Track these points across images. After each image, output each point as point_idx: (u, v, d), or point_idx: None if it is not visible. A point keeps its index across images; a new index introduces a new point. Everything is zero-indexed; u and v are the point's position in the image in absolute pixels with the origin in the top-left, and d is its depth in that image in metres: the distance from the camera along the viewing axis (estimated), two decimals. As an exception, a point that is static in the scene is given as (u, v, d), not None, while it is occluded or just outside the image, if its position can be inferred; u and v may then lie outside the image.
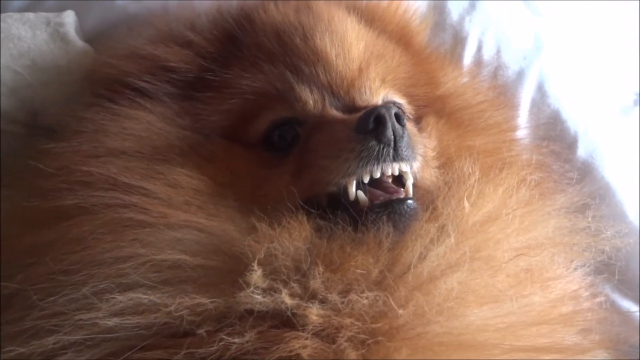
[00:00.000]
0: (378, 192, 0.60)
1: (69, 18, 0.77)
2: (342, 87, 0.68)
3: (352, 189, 0.60)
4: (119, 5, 0.83)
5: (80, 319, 0.53)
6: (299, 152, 0.64)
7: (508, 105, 0.89)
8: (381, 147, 0.59)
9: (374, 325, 0.52)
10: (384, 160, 0.59)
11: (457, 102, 0.80)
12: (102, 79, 0.72)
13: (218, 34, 0.74)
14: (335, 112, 0.65)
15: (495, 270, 0.59)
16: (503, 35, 0.96)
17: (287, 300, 0.53)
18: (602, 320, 0.71)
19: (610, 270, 0.85)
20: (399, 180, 0.62)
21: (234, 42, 0.73)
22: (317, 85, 0.67)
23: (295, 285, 0.54)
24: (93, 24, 0.83)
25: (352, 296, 0.54)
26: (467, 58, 0.93)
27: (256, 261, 0.54)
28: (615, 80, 1.21)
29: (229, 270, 0.55)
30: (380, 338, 0.52)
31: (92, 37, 0.82)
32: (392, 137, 0.60)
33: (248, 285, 0.53)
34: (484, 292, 0.57)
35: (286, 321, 0.53)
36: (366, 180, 0.60)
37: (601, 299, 0.78)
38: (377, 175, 0.60)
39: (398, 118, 0.60)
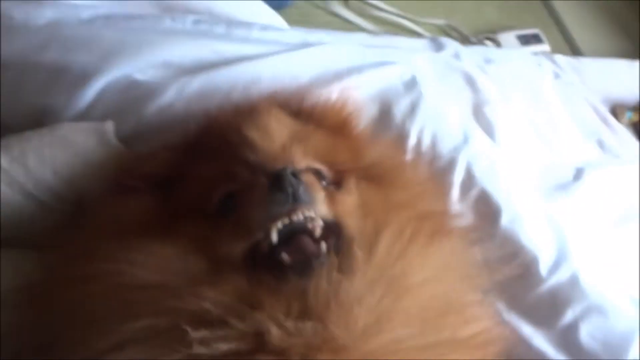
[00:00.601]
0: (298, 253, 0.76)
1: (110, 127, 1.02)
2: (267, 162, 0.82)
3: (274, 233, 0.75)
4: (146, 117, 1.09)
5: None
6: (237, 213, 0.79)
7: (438, 186, 1.10)
8: (283, 195, 0.75)
9: (317, 347, 0.65)
10: (286, 204, 0.75)
11: (378, 169, 0.97)
12: (112, 176, 0.96)
13: (184, 142, 0.98)
14: (261, 179, 0.80)
15: (403, 296, 0.71)
16: (437, 132, 1.20)
17: (222, 346, 0.65)
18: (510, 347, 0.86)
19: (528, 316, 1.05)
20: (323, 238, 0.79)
21: (196, 145, 0.96)
22: (249, 163, 0.85)
23: (231, 330, 0.66)
24: (126, 131, 1.08)
25: (299, 321, 0.66)
26: (409, 149, 1.18)
27: (191, 319, 0.66)
28: (556, 157, 1.44)
29: (179, 329, 0.66)
30: (323, 357, 0.64)
31: (125, 140, 1.06)
32: (290, 187, 0.75)
33: (191, 342, 0.65)
34: (396, 315, 0.69)
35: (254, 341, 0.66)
36: (280, 225, 0.75)
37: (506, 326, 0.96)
38: (287, 221, 0.75)
39: (294, 174, 0.76)
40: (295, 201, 0.77)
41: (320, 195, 0.82)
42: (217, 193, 0.86)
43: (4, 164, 0.96)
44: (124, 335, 0.67)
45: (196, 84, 1.12)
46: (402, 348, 0.66)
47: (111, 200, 0.91)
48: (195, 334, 0.65)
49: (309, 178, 0.83)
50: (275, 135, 0.89)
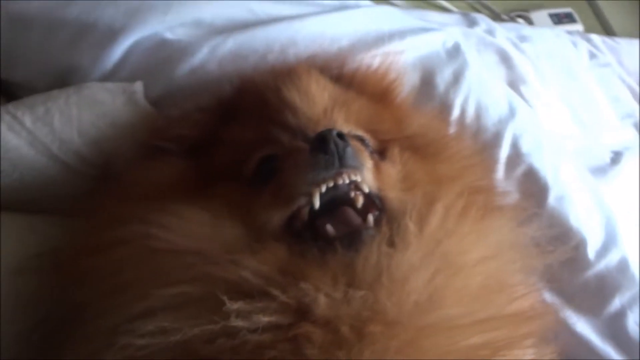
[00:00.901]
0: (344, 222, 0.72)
1: (140, 87, 0.98)
2: (309, 126, 0.80)
3: (316, 198, 0.71)
4: (177, 79, 1.04)
5: (123, 342, 0.62)
6: (276, 178, 0.76)
7: (485, 160, 1.05)
8: (327, 157, 0.71)
9: (367, 319, 0.62)
10: (332, 168, 0.71)
11: (422, 139, 0.93)
12: (144, 139, 0.92)
13: (219, 104, 0.94)
14: (301, 143, 0.77)
15: (457, 274, 0.69)
16: (482, 103, 1.14)
17: (263, 318, 0.61)
18: (556, 333, 0.82)
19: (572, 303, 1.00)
20: (365, 210, 0.75)
21: (231, 107, 0.92)
22: (288, 127, 0.81)
23: (271, 302, 0.63)
24: (155, 94, 1.03)
25: (349, 292, 0.63)
26: (453, 121, 1.12)
27: (227, 289, 0.63)
28: (592, 140, 1.39)
29: (216, 298, 0.63)
30: (375, 329, 0.61)
31: (155, 103, 1.02)
32: (335, 149, 0.70)
33: (228, 313, 0.61)
34: (448, 293, 0.66)
35: (297, 314, 0.63)
36: (324, 189, 0.71)
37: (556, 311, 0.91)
38: (331, 184, 0.71)
39: (340, 136, 0.72)
40: (342, 165, 0.72)
41: (368, 162, 0.78)
42: (254, 158, 0.82)
43: (28, 123, 0.91)
44: (156, 301, 0.65)
45: (230, 44, 1.06)
46: (451, 326, 0.66)
47: (142, 163, 0.88)
48: (232, 305, 0.63)
49: (355, 143, 0.78)
50: (317, 98, 0.85)
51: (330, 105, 0.85)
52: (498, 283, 0.73)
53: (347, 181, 0.72)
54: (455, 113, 1.13)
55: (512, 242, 0.82)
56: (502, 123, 1.13)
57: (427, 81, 1.15)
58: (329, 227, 0.71)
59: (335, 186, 0.72)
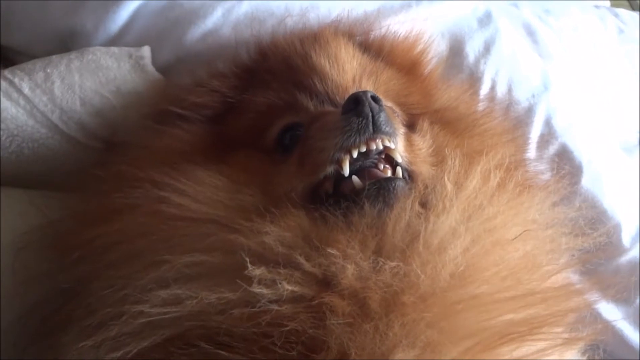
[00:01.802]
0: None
1: (147, 52, 0.91)
2: (338, 93, 0.77)
3: (346, 165, 0.66)
4: (187, 45, 0.97)
5: (133, 311, 0.59)
6: (301, 145, 0.72)
7: (517, 137, 0.97)
8: (361, 120, 0.66)
9: (397, 291, 0.58)
10: (365, 132, 0.66)
11: (452, 113, 0.88)
12: (155, 106, 0.86)
13: (236, 69, 0.88)
14: (330, 108, 0.74)
15: (493, 250, 0.64)
16: (514, 76, 1.07)
17: (287, 287, 0.58)
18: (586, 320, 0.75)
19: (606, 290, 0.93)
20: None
21: (250, 72, 0.87)
22: (316, 94, 0.78)
23: (295, 270, 0.59)
24: (164, 61, 0.97)
25: (379, 261, 0.59)
26: (482, 95, 1.04)
27: (248, 256, 0.59)
28: (620, 119, 1.31)
29: (236, 266, 0.60)
30: (407, 300, 0.57)
31: (163, 70, 0.95)
32: (370, 112, 0.66)
33: (251, 279, 0.58)
34: (484, 268, 0.62)
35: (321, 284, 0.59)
36: (355, 154, 0.66)
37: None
38: (363, 149, 0.67)
39: (375, 99, 0.68)
40: (375, 130, 0.67)
41: (401, 129, 0.73)
42: (276, 125, 0.78)
43: (26, 90, 0.84)
44: (169, 270, 0.62)
45: (245, 6, 0.99)
46: (487, 301, 0.61)
47: (156, 129, 0.81)
48: (255, 270, 0.59)
49: (388, 109, 0.73)
50: (346, 65, 0.81)
51: (359, 74, 0.81)
52: (534, 260, 0.68)
53: (380, 147, 0.69)
54: (486, 86, 1.05)
55: (549, 221, 0.76)
56: (535, 98, 1.06)
57: (455, 51, 1.07)
58: (355, 179, 0.66)
59: (367, 152, 0.67)
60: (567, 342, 0.65)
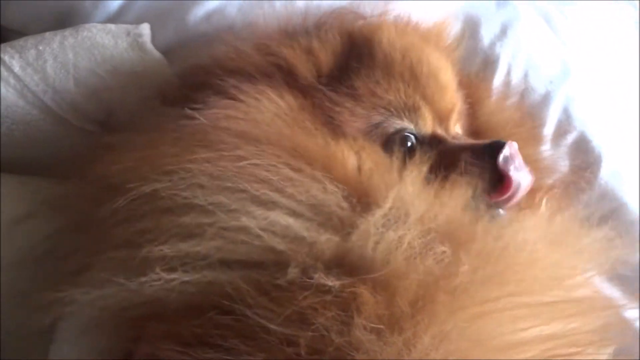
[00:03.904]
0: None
1: (146, 30, 0.86)
2: (445, 116, 0.81)
3: None
4: (190, 25, 0.92)
5: (229, 224, 0.56)
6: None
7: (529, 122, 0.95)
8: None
9: (433, 284, 0.55)
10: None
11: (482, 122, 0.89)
12: (228, 67, 0.77)
13: (341, 45, 0.82)
14: (456, 138, 0.80)
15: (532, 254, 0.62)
16: (531, 61, 1.02)
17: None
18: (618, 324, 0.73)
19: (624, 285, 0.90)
20: None
21: (359, 55, 0.81)
22: (432, 110, 0.79)
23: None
24: (166, 41, 0.92)
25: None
26: (497, 80, 0.99)
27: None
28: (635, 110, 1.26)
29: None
30: (439, 298, 0.54)
31: (165, 51, 0.90)
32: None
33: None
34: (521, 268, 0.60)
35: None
36: None
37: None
38: None
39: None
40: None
41: None
42: (390, 125, 0.77)
43: (17, 68, 0.79)
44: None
45: (252, -16, 0.94)
46: (518, 304, 0.58)
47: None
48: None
49: None
50: (451, 81, 0.84)
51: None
52: (561, 268, 0.66)
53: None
54: (501, 71, 1.00)
55: (572, 227, 0.73)
56: (554, 84, 1.01)
57: (470, 33, 1.02)
58: None
59: None
60: None
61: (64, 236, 0.71)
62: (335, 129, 0.74)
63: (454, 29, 0.99)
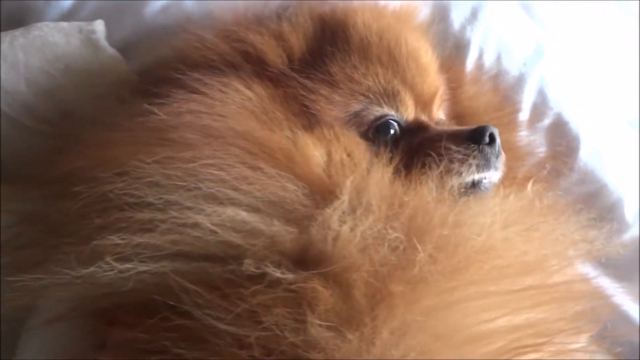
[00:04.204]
0: None
1: (100, 26, 0.84)
2: (427, 101, 0.79)
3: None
4: (147, 19, 0.89)
5: (182, 220, 0.56)
6: (406, 151, 0.72)
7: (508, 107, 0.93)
8: (494, 157, 0.73)
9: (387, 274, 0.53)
10: (493, 168, 0.73)
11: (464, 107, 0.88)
12: (191, 59, 0.75)
13: (313, 28, 0.79)
14: (440, 124, 0.78)
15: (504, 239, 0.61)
16: (503, 43, 0.99)
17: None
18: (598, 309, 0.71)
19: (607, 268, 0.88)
20: None
21: (333, 39, 0.78)
22: (413, 95, 0.77)
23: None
24: (123, 36, 0.89)
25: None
26: (469, 65, 0.97)
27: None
28: (621, 91, 1.24)
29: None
30: (395, 289, 0.53)
31: (122, 48, 0.88)
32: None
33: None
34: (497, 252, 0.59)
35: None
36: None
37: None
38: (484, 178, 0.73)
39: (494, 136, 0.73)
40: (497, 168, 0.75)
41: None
42: (370, 112, 0.75)
43: (-35, 71, 0.76)
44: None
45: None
46: (483, 293, 0.56)
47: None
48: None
49: None
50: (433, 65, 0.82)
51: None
52: (531, 255, 0.64)
53: (494, 180, 0.75)
54: (473, 54, 0.98)
55: (547, 211, 0.72)
56: (528, 66, 0.99)
57: (440, 17, 0.99)
58: None
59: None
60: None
61: (23, 228, 0.69)
62: (309, 118, 0.72)
63: (423, 13, 0.97)
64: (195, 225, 0.55)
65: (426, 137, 0.75)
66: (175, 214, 0.56)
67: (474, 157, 0.72)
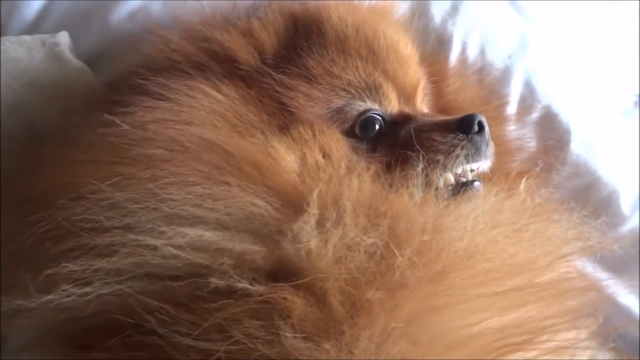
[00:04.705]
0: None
1: (64, 38, 0.80)
2: (410, 93, 0.77)
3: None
4: (114, 26, 0.86)
5: (143, 243, 0.53)
6: (392, 146, 0.71)
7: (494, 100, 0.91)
8: (484, 145, 0.71)
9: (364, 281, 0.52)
10: (483, 157, 0.71)
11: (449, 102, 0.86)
12: (156, 63, 0.72)
13: (284, 25, 0.77)
14: (425, 115, 0.76)
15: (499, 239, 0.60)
16: (487, 36, 0.96)
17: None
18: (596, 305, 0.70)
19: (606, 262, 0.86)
20: None
21: (307, 35, 0.76)
22: (396, 88, 0.75)
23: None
24: (90, 45, 0.86)
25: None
26: (453, 59, 0.94)
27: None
28: (612, 82, 1.21)
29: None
30: (372, 296, 0.51)
31: (90, 58, 0.84)
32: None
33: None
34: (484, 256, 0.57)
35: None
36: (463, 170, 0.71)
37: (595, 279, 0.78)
38: (475, 168, 0.71)
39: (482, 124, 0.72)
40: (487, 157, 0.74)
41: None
42: (353, 107, 0.72)
43: None
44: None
45: (176, -23, 0.88)
46: (465, 297, 0.54)
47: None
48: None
49: None
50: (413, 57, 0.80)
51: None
52: (527, 255, 0.62)
53: (484, 169, 0.74)
54: (456, 49, 0.95)
55: (538, 210, 0.70)
56: (512, 59, 0.96)
57: (420, 12, 0.96)
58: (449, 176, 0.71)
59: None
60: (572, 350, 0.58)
61: None
62: (286, 117, 0.69)
63: (402, 8, 0.93)
64: (156, 249, 0.53)
65: (413, 128, 0.72)
66: (135, 237, 0.54)
67: (462, 147, 0.70)
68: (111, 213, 0.55)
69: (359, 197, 0.57)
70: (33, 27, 0.86)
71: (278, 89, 0.70)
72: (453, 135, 0.70)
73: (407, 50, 0.79)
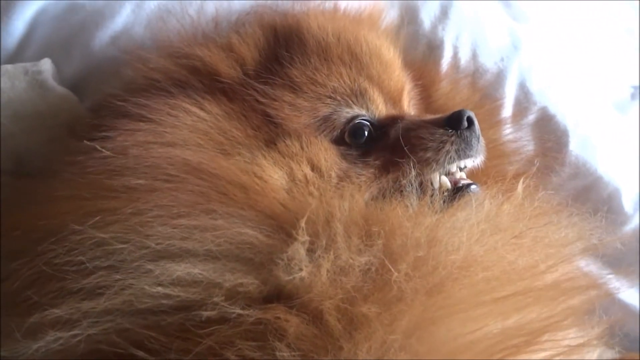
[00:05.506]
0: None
1: (46, 65, 0.79)
2: (396, 97, 0.76)
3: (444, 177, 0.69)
4: (97, 51, 0.84)
5: (129, 284, 0.52)
6: (383, 149, 0.70)
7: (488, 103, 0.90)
8: (474, 140, 0.70)
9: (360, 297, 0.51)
10: (475, 151, 0.70)
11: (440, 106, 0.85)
12: (135, 84, 0.72)
13: (264, 37, 0.76)
14: (414, 116, 0.75)
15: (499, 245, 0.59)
16: (478, 38, 0.95)
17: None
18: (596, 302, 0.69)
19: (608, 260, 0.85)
20: None
21: (288, 45, 0.75)
22: (382, 92, 0.74)
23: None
24: (74, 71, 0.84)
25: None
26: (445, 64, 0.93)
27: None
28: (607, 75, 1.20)
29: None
30: (367, 311, 0.50)
31: (74, 84, 0.83)
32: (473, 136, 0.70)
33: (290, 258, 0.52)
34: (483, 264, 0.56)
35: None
36: (458, 168, 0.70)
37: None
38: (469, 165, 0.71)
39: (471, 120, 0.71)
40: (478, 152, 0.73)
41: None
42: (339, 114, 0.71)
43: None
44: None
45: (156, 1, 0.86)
46: (465, 306, 0.53)
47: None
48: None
49: None
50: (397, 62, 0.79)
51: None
52: (527, 260, 0.61)
53: (477, 164, 0.73)
54: (447, 54, 0.93)
55: (538, 213, 0.68)
56: (505, 61, 0.94)
57: (409, 18, 0.95)
58: (445, 180, 0.70)
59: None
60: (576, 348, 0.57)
61: None
62: (272, 129, 0.68)
63: (390, 15, 0.92)
64: (144, 290, 0.51)
65: (402, 127, 0.71)
66: (121, 277, 0.52)
67: (452, 143, 0.69)
68: (95, 252, 0.53)
69: (351, 217, 0.56)
70: (15, 56, 0.84)
71: (262, 100, 0.69)
72: (442, 132, 0.70)
73: (390, 54, 0.78)
